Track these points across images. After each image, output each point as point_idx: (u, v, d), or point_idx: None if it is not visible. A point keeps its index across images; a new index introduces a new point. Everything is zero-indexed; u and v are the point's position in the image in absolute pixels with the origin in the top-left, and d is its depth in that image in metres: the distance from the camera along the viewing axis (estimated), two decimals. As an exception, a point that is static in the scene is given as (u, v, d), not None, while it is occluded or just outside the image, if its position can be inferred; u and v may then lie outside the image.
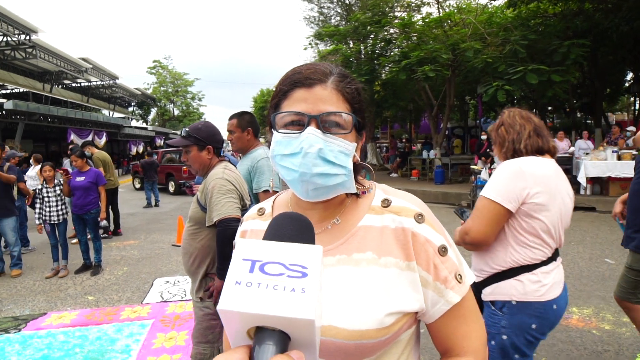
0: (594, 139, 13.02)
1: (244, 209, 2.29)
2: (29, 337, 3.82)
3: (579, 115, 20.48)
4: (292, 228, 0.57)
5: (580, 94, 16.97)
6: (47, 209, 5.59)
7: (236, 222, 2.14)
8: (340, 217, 0.86)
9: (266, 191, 2.80)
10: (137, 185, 17.64)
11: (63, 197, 5.72)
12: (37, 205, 5.64)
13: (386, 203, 0.85)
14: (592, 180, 9.84)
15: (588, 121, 19.31)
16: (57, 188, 5.66)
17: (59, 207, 5.64)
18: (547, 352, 3.26)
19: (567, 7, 11.54)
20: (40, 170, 5.77)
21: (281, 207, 0.95)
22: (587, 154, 10.54)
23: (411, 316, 0.80)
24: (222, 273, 2.20)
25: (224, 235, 2.13)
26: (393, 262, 0.78)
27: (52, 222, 5.61)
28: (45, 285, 5.30)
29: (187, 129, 2.42)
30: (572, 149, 11.70)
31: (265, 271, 0.48)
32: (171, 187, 15.93)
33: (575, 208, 8.28)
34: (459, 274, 0.81)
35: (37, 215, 5.65)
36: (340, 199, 0.87)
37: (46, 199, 5.60)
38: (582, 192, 9.95)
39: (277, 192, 2.78)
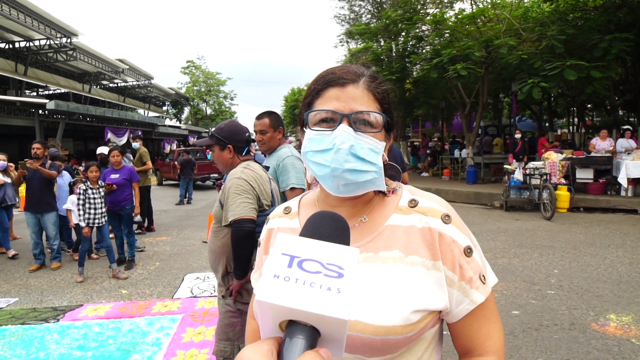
0: (636, 137, 12.39)
1: (262, 210, 2.27)
2: (66, 327, 4.00)
3: (620, 113, 19.53)
4: (330, 227, 0.57)
5: (622, 90, 16.18)
6: (93, 211, 5.37)
7: (250, 223, 2.13)
8: (368, 215, 0.87)
9: (293, 189, 2.80)
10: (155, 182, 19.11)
11: (104, 198, 5.59)
12: (81, 207, 5.39)
13: (413, 203, 0.86)
14: (633, 182, 9.40)
15: (631, 119, 18.39)
16: (101, 190, 5.51)
17: (103, 209, 5.50)
18: None
19: (609, 0, 11.02)
20: (86, 170, 5.58)
21: (308, 205, 0.96)
22: (628, 153, 10.05)
23: (435, 315, 0.81)
24: (237, 273, 2.19)
25: (237, 236, 2.13)
26: (419, 261, 0.80)
27: (97, 224, 5.44)
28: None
29: (213, 129, 2.48)
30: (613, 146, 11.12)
31: (303, 268, 0.49)
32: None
33: (615, 210, 7.84)
34: (483, 275, 0.83)
35: (81, 218, 5.38)
36: (368, 198, 0.89)
37: (92, 200, 5.37)
38: (622, 193, 9.51)
39: (304, 189, 2.79)
